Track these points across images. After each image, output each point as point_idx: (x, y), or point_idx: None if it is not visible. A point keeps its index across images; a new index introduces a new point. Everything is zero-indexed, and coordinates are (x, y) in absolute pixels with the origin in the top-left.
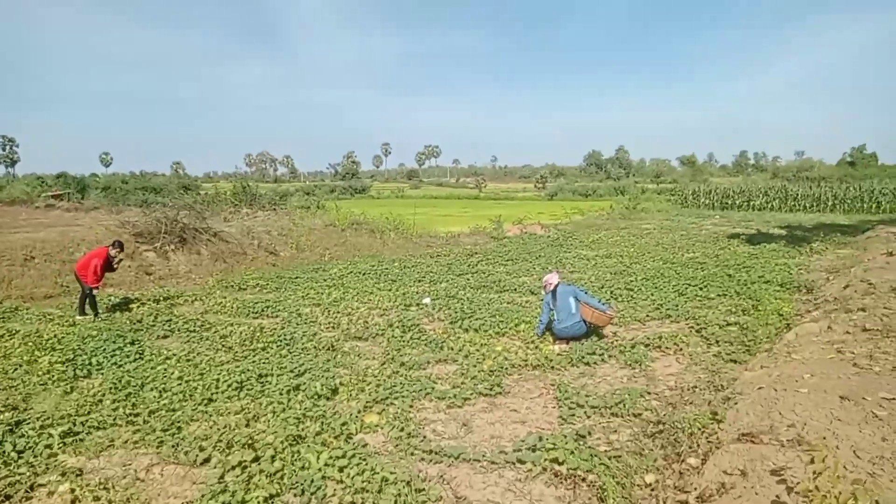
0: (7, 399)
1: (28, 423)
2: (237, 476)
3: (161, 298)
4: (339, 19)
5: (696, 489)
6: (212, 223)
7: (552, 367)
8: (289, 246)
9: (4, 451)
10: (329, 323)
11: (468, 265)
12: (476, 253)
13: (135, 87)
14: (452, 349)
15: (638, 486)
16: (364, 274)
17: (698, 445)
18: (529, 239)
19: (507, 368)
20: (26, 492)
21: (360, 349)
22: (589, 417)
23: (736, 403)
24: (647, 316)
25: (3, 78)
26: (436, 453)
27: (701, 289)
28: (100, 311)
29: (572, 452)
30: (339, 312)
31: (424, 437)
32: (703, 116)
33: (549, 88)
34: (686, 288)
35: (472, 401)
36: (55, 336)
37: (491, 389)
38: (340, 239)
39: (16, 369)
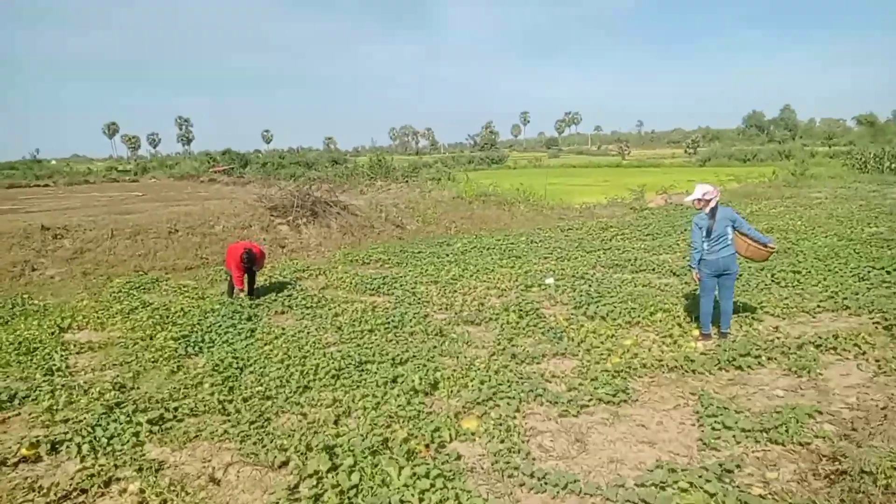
0: (117, 376)
1: (124, 406)
2: (310, 488)
3: (288, 272)
4: None
5: None
6: (346, 196)
7: (693, 371)
8: (415, 219)
9: (96, 437)
10: (443, 303)
11: (601, 240)
12: (611, 226)
13: (294, 69)
14: (573, 340)
15: None
16: (487, 249)
17: None
18: (675, 210)
19: (636, 369)
20: (100, 486)
21: (471, 335)
22: (739, 443)
23: None
24: (819, 306)
25: (180, 64)
26: (539, 479)
27: (889, 272)
28: (232, 294)
29: (714, 496)
30: (455, 291)
31: (528, 453)
32: (886, 71)
33: (702, 47)
34: (869, 271)
35: (591, 409)
36: (181, 309)
37: (614, 395)
38: (467, 211)
39: (136, 343)
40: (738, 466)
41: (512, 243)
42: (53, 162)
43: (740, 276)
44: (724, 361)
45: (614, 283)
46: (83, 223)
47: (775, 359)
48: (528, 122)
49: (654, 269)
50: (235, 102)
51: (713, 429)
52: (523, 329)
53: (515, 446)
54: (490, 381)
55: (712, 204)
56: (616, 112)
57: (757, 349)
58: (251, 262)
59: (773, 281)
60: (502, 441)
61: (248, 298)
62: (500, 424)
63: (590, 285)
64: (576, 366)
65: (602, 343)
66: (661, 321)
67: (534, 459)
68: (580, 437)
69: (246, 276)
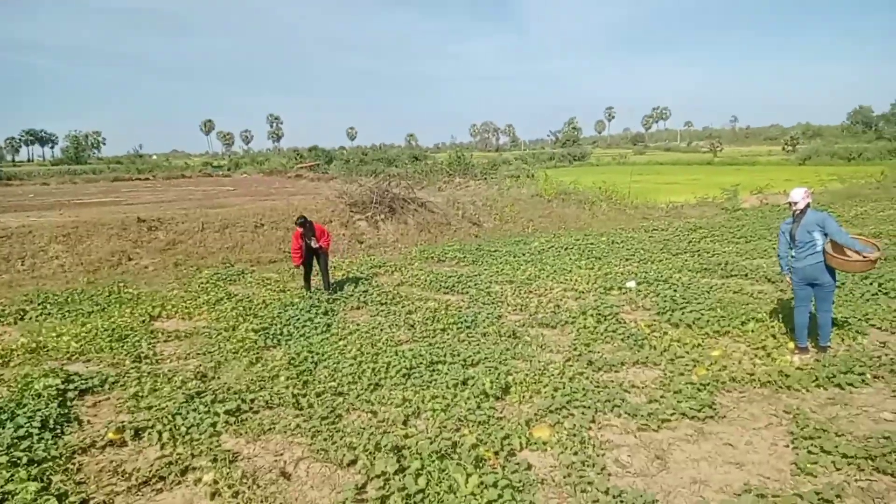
0: (200, 366)
1: (203, 396)
2: (377, 489)
3: (365, 267)
4: None
5: None
6: (424, 193)
7: (788, 387)
8: (492, 217)
9: (176, 425)
10: (517, 304)
11: (688, 242)
12: (700, 227)
13: (376, 67)
14: (655, 348)
15: None
16: (566, 249)
17: None
18: (771, 212)
19: (724, 382)
20: (177, 475)
21: (546, 338)
22: (839, 470)
23: None
24: None
25: (271, 65)
26: (615, 496)
27: None
28: (310, 288)
29: None
30: (530, 292)
31: (603, 468)
32: None
33: (802, 37)
34: None
35: (673, 423)
36: (263, 301)
37: (700, 410)
38: (546, 210)
39: (219, 334)
40: (837, 496)
41: (592, 243)
42: (154, 157)
43: (842, 285)
44: (823, 378)
45: (702, 289)
46: (176, 216)
47: (883, 377)
48: (613, 117)
49: (746, 275)
50: (323, 101)
51: (809, 452)
52: (601, 334)
53: (590, 459)
54: (564, 388)
55: (799, 206)
56: (708, 107)
57: (861, 366)
58: (305, 228)
59: (880, 291)
60: (576, 453)
61: (325, 293)
62: (574, 435)
63: (675, 290)
64: (657, 376)
65: (687, 353)
66: (753, 332)
67: (609, 475)
68: (661, 454)
69: (309, 257)
